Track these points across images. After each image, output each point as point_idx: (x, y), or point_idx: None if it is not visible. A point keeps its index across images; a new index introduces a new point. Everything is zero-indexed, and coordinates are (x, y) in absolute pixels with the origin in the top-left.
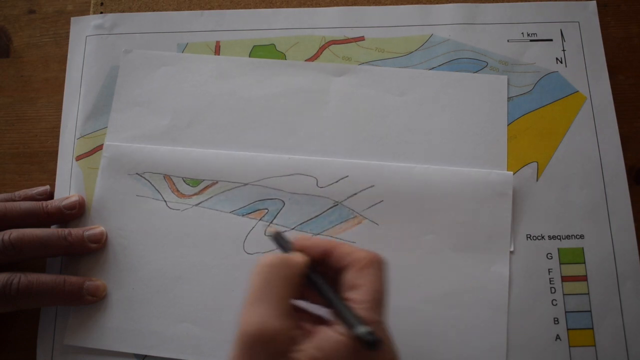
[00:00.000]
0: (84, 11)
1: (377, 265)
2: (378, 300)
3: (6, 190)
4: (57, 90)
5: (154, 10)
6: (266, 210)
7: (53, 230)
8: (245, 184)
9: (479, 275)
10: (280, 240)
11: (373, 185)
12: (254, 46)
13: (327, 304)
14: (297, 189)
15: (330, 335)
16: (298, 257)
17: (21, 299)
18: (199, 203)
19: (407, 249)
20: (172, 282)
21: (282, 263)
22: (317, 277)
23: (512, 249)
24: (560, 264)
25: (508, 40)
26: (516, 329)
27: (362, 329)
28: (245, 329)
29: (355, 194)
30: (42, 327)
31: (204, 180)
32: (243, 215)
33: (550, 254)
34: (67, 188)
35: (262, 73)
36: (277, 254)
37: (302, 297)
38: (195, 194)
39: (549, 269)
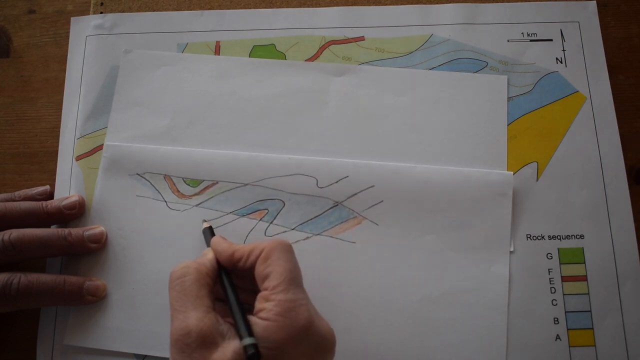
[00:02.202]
0: (84, 11)
1: (280, 249)
2: (290, 280)
3: (6, 190)
4: (57, 90)
5: (154, 10)
6: (266, 211)
7: (53, 230)
8: (246, 185)
9: (479, 275)
10: (207, 236)
11: (373, 185)
12: (254, 46)
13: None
14: (297, 189)
15: (233, 347)
16: (205, 259)
17: (21, 299)
18: (200, 203)
19: (407, 249)
20: None
21: (189, 270)
22: (226, 282)
23: (512, 249)
24: (560, 264)
25: (508, 40)
26: (516, 329)
27: (246, 341)
28: (172, 338)
29: (355, 194)
30: (42, 327)
31: (204, 180)
32: (243, 216)
33: (550, 254)
34: (67, 188)
35: (262, 73)
36: (183, 263)
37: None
38: (196, 194)
39: (549, 269)
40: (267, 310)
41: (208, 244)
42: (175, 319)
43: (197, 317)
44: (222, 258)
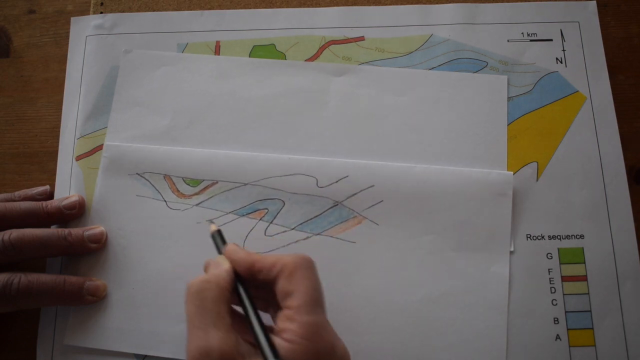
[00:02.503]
0: (84, 11)
1: (305, 267)
2: (314, 300)
3: (6, 190)
4: (57, 90)
5: (154, 10)
6: (266, 210)
7: (53, 230)
8: (245, 184)
9: (479, 275)
10: (217, 241)
11: (373, 185)
12: (254, 46)
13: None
14: (297, 189)
15: None
16: (222, 271)
17: (21, 299)
18: (199, 203)
19: (407, 249)
20: (172, 282)
21: (209, 285)
22: (245, 298)
23: (512, 249)
24: (560, 264)
25: (508, 40)
26: (516, 329)
27: None
28: (189, 355)
29: (355, 194)
30: (42, 327)
31: (204, 180)
32: (243, 215)
33: (550, 254)
34: (67, 188)
35: (262, 73)
36: (202, 277)
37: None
38: (196, 194)
39: (549, 269)
40: (291, 331)
41: (219, 250)
42: (194, 335)
43: (218, 336)
44: (240, 269)
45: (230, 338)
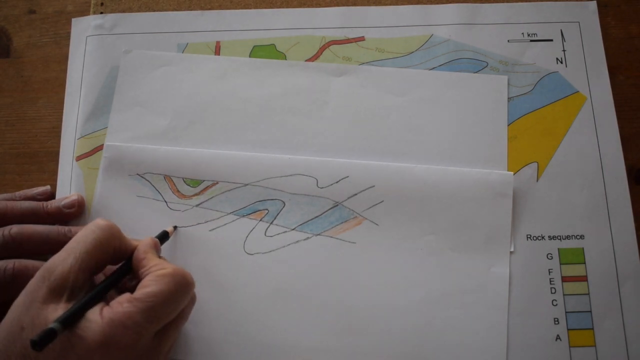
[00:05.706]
0: (84, 11)
1: (173, 280)
2: (152, 308)
3: (7, 191)
4: (57, 90)
5: (154, 11)
6: (266, 211)
7: (53, 227)
8: (246, 185)
9: (479, 276)
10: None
11: (373, 186)
12: (254, 46)
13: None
14: (297, 189)
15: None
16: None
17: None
18: (200, 204)
19: (407, 249)
20: None
21: (104, 231)
22: (119, 270)
23: (512, 249)
24: (560, 264)
25: (508, 41)
26: (516, 329)
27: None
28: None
29: (356, 194)
30: None
31: (204, 180)
32: (243, 216)
33: (551, 254)
34: (67, 188)
35: (262, 73)
36: (108, 222)
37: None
38: (196, 194)
39: (549, 269)
40: (111, 309)
41: (159, 238)
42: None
43: (66, 261)
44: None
45: (72, 266)
